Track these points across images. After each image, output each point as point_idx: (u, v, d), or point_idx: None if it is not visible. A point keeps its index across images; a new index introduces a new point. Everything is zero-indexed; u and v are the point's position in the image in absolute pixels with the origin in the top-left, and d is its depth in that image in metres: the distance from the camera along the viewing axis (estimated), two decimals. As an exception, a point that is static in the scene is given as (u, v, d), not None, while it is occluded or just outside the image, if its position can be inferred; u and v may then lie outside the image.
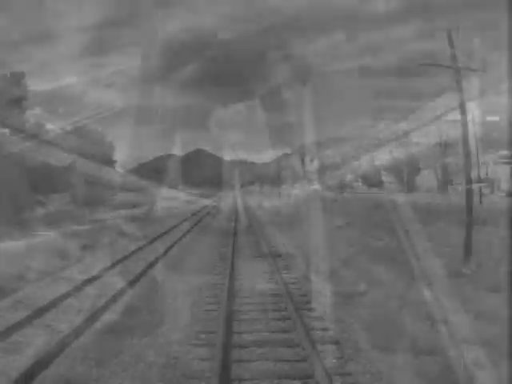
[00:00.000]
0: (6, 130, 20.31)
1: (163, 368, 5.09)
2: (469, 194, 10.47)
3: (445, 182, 36.96)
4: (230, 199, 57.33)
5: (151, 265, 11.68)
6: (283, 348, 5.71)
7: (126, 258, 12.71)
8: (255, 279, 9.95)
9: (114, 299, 8.03)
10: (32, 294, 8.51)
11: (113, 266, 11.21)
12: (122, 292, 8.56)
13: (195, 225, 23.52)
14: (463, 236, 10.29)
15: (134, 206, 34.08)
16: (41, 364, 5.02)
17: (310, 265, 10.34)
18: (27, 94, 24.29)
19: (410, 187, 39.21)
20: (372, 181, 46.21)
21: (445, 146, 35.18)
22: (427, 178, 39.35)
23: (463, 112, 10.24)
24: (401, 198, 22.69)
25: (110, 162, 34.50)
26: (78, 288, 8.91)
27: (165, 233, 19.11)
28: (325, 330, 6.37)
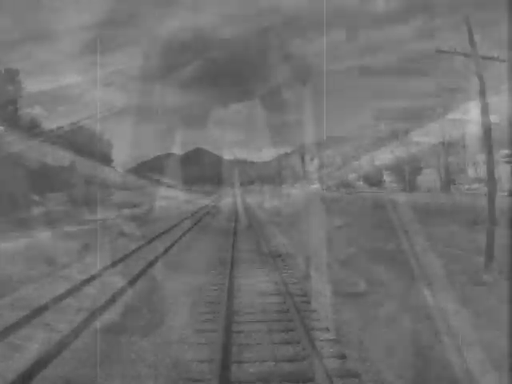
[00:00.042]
0: (1, 128, 20.05)
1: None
2: (491, 194, 9.49)
3: (447, 182, 36.74)
4: (229, 198, 57.12)
5: (149, 270, 11.22)
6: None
7: (121, 260, 11.86)
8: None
9: (91, 319, 6.74)
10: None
11: (101, 273, 10.02)
12: (103, 312, 7.16)
13: (195, 224, 23.35)
14: (474, 238, 9.57)
15: (135, 205, 33.85)
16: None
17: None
18: (22, 92, 23.99)
19: (411, 186, 39.03)
20: (373, 180, 46.03)
21: (449, 146, 34.99)
22: (428, 178, 39.12)
23: (484, 103, 9.38)
24: (405, 198, 22.44)
25: (107, 160, 34.31)
26: (56, 301, 7.71)
27: (163, 233, 18.92)
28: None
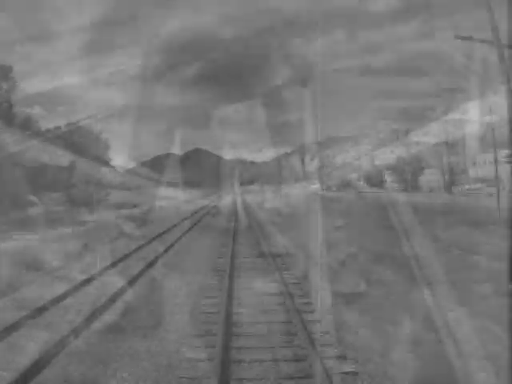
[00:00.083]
0: None
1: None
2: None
3: (450, 182, 36.65)
4: (229, 198, 57.03)
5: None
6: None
7: (114, 265, 11.20)
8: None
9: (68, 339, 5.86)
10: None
11: (90, 281, 9.34)
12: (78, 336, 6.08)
13: (195, 224, 23.25)
14: (485, 241, 9.17)
15: (134, 205, 33.73)
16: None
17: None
18: (16, 88, 23.60)
19: (413, 187, 38.93)
20: (373, 180, 45.95)
21: (450, 146, 34.92)
22: (430, 178, 38.99)
23: (509, 93, 9.02)
24: (409, 199, 22.17)
25: (107, 160, 34.22)
26: (33, 315, 6.86)
27: (163, 233, 18.83)
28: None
